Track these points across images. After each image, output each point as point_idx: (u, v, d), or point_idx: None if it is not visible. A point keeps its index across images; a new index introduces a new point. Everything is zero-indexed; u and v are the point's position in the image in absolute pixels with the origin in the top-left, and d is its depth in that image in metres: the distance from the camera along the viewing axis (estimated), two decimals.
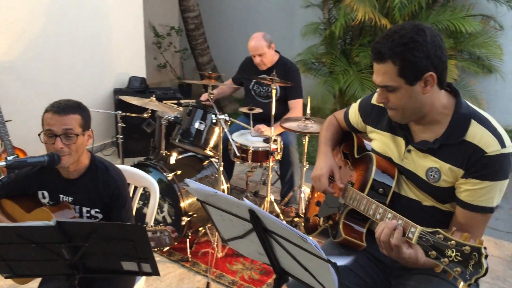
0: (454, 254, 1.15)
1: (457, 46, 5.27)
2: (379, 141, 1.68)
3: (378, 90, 1.50)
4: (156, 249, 2.32)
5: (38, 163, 1.62)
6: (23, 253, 1.41)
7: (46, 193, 1.87)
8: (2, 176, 1.54)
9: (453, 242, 1.16)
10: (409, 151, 1.55)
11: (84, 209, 1.85)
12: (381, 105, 1.61)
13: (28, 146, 3.63)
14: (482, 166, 1.39)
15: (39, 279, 1.87)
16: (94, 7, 4.62)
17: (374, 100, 1.72)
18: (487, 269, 1.10)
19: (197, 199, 1.39)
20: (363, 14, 4.81)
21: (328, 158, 1.79)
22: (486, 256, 1.11)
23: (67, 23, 4.41)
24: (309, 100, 3.24)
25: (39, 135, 1.75)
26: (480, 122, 1.42)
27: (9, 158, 1.66)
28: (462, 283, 1.12)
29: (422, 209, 1.54)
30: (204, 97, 3.52)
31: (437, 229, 1.22)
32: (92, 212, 1.85)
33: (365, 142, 1.85)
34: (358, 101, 1.84)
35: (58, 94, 4.12)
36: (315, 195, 2.01)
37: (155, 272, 1.49)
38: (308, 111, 3.14)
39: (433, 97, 1.43)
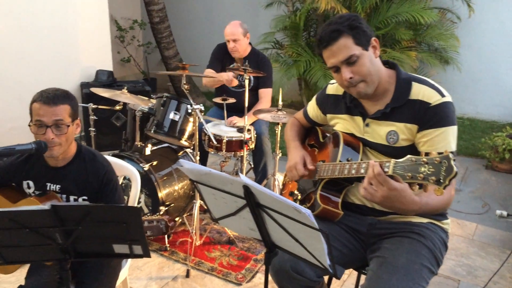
0: (427, 168, 1.27)
1: (416, 38, 5.51)
2: (341, 123, 1.88)
3: (342, 69, 1.63)
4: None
5: (26, 151, 1.62)
6: (15, 238, 1.41)
7: (31, 183, 1.86)
8: None
9: (424, 159, 1.29)
10: (367, 125, 1.75)
11: (72, 198, 1.86)
12: (336, 93, 1.87)
13: None
14: (431, 116, 1.60)
15: (20, 271, 1.87)
16: (59, 0, 4.52)
17: (328, 91, 1.94)
18: (456, 172, 1.23)
19: (190, 179, 1.44)
20: (326, 3, 4.95)
21: (298, 150, 1.97)
22: (454, 160, 1.24)
23: (32, 16, 4.30)
24: (280, 91, 3.32)
25: (29, 125, 1.74)
26: (419, 82, 1.67)
27: None
28: (437, 188, 1.24)
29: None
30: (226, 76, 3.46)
31: (408, 155, 1.34)
32: (80, 200, 1.85)
33: (326, 133, 2.03)
34: (314, 97, 2.05)
35: (23, 88, 4.04)
36: (288, 187, 2.14)
37: (146, 254, 1.52)
38: (280, 102, 3.22)
39: (380, 63, 1.69)
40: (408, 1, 5.35)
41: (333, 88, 1.91)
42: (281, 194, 2.20)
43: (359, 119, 1.78)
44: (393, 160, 1.38)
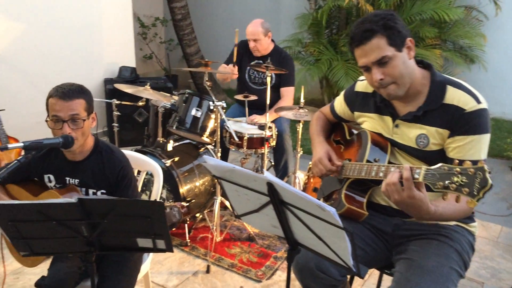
0: (460, 179, 1.23)
1: (441, 36, 5.41)
2: (369, 122, 1.83)
3: (372, 70, 1.59)
4: None
5: (53, 145, 1.65)
6: (42, 230, 1.45)
7: (52, 177, 1.90)
8: (20, 157, 1.56)
9: (457, 169, 1.25)
10: (397, 125, 1.71)
11: (90, 191, 1.89)
12: (365, 91, 1.82)
13: (20, 135, 3.62)
14: (464, 122, 1.54)
15: (45, 263, 1.90)
16: None
17: (357, 88, 1.89)
18: (492, 185, 1.18)
19: (213, 176, 1.44)
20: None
21: (323, 145, 1.94)
22: (489, 172, 1.20)
23: (57, 13, 4.38)
24: (302, 89, 3.30)
25: (46, 121, 1.77)
26: (455, 86, 1.60)
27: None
28: (470, 200, 1.21)
29: None
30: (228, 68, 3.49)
31: (440, 163, 1.30)
32: (98, 193, 1.88)
33: (353, 130, 1.99)
34: (342, 93, 1.99)
35: (48, 84, 4.07)
36: (311, 183, 2.11)
37: (169, 248, 1.53)
38: (302, 100, 3.21)
39: (414, 64, 1.62)
40: None
41: (362, 85, 1.86)
42: (303, 191, 2.17)
43: (388, 119, 1.74)
44: (424, 167, 1.34)
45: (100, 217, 1.40)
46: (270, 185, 1.25)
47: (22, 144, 1.53)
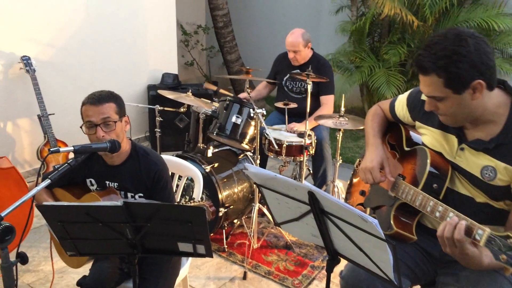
0: None
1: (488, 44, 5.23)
2: (430, 136, 1.67)
3: (426, 100, 1.51)
4: None
5: (101, 149, 1.71)
6: (89, 232, 1.50)
7: (93, 181, 1.98)
8: (70, 160, 1.63)
9: None
10: (462, 149, 1.54)
11: (129, 195, 1.94)
12: None
13: (68, 138, 3.77)
14: None
15: (86, 265, 1.97)
16: (130, 6, 4.77)
17: (424, 97, 1.67)
18: None
19: (254, 183, 1.45)
20: (389, 8, 4.83)
21: (379, 150, 1.78)
22: None
23: (105, 21, 4.56)
24: (343, 97, 3.27)
25: (81, 127, 1.85)
26: None
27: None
28: None
29: (475, 206, 1.54)
30: (243, 95, 3.57)
31: (507, 233, 1.20)
32: (136, 197, 1.94)
33: (412, 133, 1.84)
34: (406, 94, 1.81)
35: (95, 89, 4.25)
36: (358, 184, 2.01)
37: (208, 254, 1.55)
38: (342, 109, 3.18)
39: (484, 100, 1.42)
40: (481, 6, 5.11)
41: None
42: (347, 192, 2.09)
43: (453, 139, 1.57)
44: (488, 231, 1.24)
45: (144, 220, 1.44)
46: (311, 194, 1.25)
47: (72, 148, 1.60)
